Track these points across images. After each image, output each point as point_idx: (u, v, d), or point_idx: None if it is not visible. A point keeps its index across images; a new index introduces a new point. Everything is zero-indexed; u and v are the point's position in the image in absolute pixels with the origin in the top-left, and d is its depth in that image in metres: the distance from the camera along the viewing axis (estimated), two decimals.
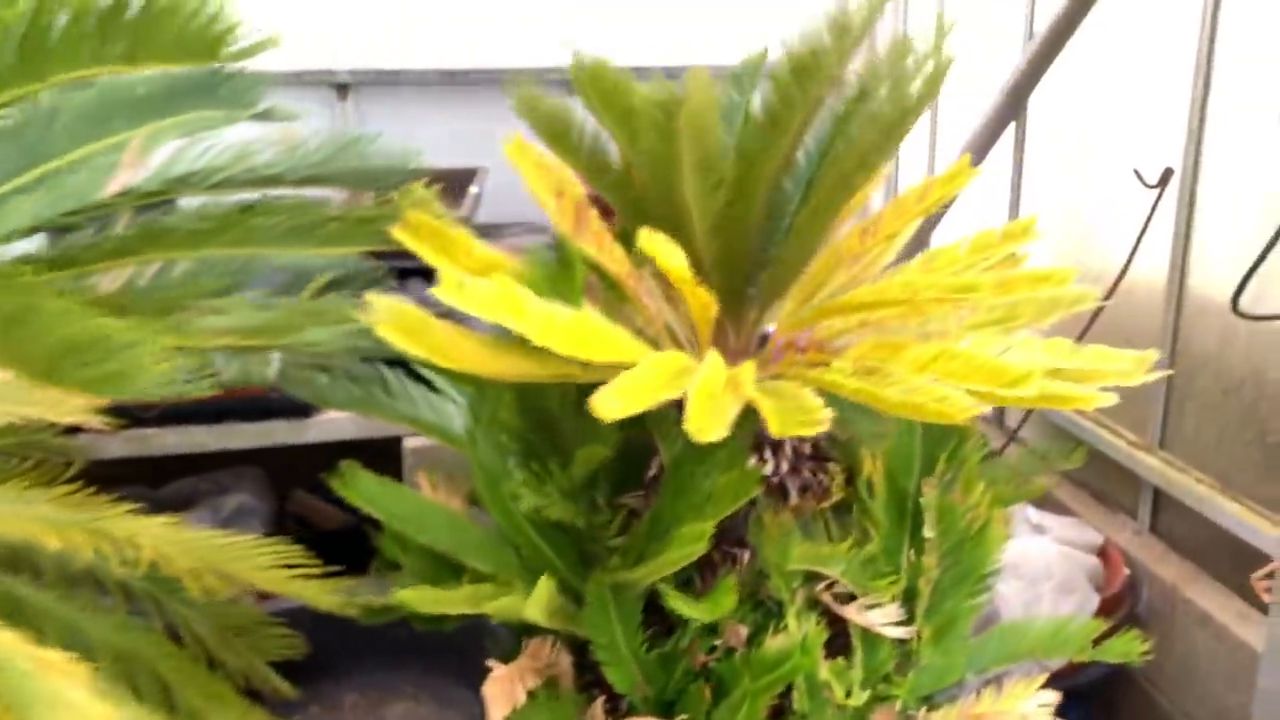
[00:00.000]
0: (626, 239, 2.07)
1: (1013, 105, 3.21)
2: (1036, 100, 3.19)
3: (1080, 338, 2.85)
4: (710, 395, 1.52)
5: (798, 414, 1.53)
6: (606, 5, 4.12)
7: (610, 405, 1.44)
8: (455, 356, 1.67)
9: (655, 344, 2.05)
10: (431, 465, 2.28)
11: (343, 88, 3.86)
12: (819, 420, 1.50)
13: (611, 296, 2.03)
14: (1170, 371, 1.76)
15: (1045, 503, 3.00)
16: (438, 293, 1.58)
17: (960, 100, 3.66)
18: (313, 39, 3.87)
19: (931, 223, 3.70)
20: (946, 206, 3.60)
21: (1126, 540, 2.75)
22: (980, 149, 3.40)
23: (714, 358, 1.68)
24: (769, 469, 1.93)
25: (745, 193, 1.75)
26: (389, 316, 1.62)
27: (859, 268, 2.21)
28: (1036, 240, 2.07)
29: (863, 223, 2.15)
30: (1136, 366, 1.76)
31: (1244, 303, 2.23)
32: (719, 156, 1.68)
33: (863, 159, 1.72)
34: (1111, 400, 1.56)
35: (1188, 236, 2.53)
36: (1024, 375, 1.52)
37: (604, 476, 1.97)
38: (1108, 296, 2.73)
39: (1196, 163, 2.49)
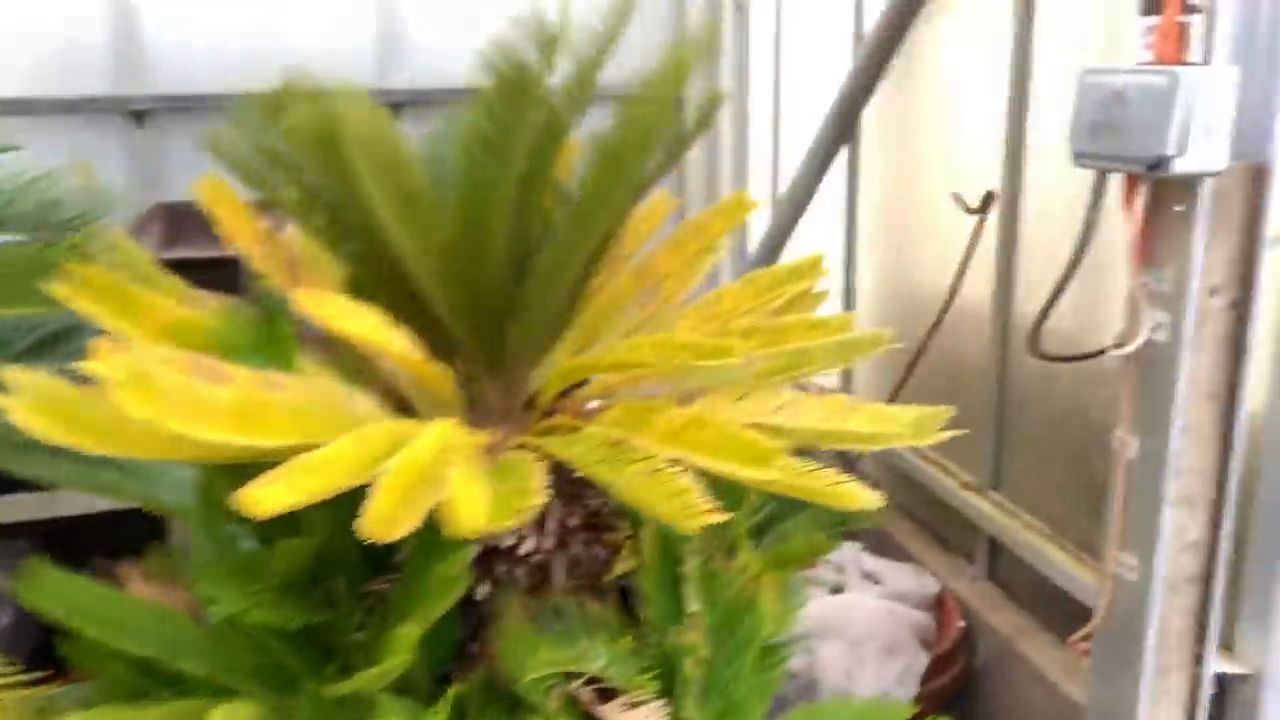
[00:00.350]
0: (356, 289, 1.84)
1: (844, 124, 3.06)
2: (878, 121, 3.05)
3: (908, 373, 2.70)
4: (405, 484, 1.28)
5: (508, 502, 1.30)
6: (434, 21, 3.88)
7: (268, 499, 1.20)
8: (120, 440, 1.40)
9: (405, 406, 1.81)
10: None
11: (139, 115, 3.55)
12: (523, 511, 1.28)
13: (354, 353, 1.79)
14: (963, 431, 1.59)
15: (884, 546, 2.83)
16: (82, 365, 1.32)
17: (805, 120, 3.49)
18: (105, 64, 3.55)
19: (775, 248, 3.54)
20: (784, 233, 3.44)
21: (965, 588, 2.58)
22: (817, 169, 3.24)
23: (434, 432, 1.44)
24: (528, 546, 1.71)
25: (474, 233, 1.52)
26: (27, 395, 1.35)
27: (649, 311, 2.01)
28: (823, 277, 1.90)
29: (637, 263, 1.95)
30: (923, 425, 1.58)
31: (1074, 334, 2.09)
32: (428, 192, 1.45)
33: (601, 192, 1.50)
34: (872, 501, 1.37)
35: (1009, 265, 2.37)
36: (768, 453, 1.33)
37: (346, 562, 1.72)
38: (935, 327, 2.57)
39: (1016, 188, 2.35)
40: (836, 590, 2.66)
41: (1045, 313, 1.76)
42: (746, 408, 1.65)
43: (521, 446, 1.58)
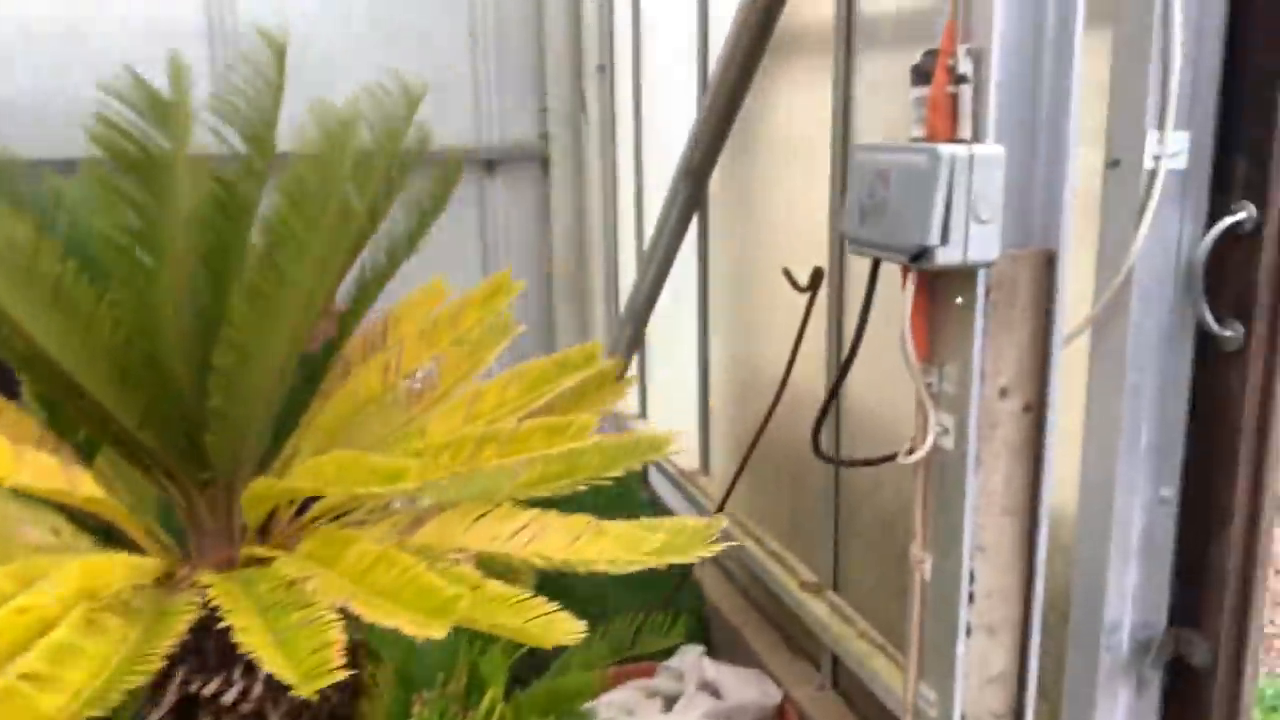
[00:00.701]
0: (42, 400, 1.61)
1: (693, 187, 2.90)
2: (723, 189, 2.89)
3: (744, 464, 2.50)
4: None
5: (117, 676, 1.08)
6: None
7: None
8: None
9: (114, 529, 1.58)
10: None
11: None
12: (112, 695, 1.06)
13: None
14: (713, 549, 1.39)
15: (734, 648, 2.62)
16: None
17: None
18: None
19: (641, 313, 3.34)
20: (649, 297, 3.23)
21: (808, 697, 2.37)
22: (672, 232, 3.07)
23: (69, 574, 1.21)
24: (233, 694, 1.47)
25: (141, 332, 1.30)
26: None
27: (421, 407, 1.80)
28: (594, 369, 1.70)
29: (382, 358, 1.74)
30: (670, 549, 1.38)
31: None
32: (80, 288, 1.23)
33: (282, 274, 1.28)
34: (575, 634, 1.17)
35: (839, 347, 2.20)
36: (447, 603, 1.12)
37: None
38: (770, 412, 2.38)
39: (844, 266, 2.18)
40: (672, 700, 2.44)
41: (825, 410, 1.58)
42: (484, 529, 1.44)
43: (199, 587, 1.35)
